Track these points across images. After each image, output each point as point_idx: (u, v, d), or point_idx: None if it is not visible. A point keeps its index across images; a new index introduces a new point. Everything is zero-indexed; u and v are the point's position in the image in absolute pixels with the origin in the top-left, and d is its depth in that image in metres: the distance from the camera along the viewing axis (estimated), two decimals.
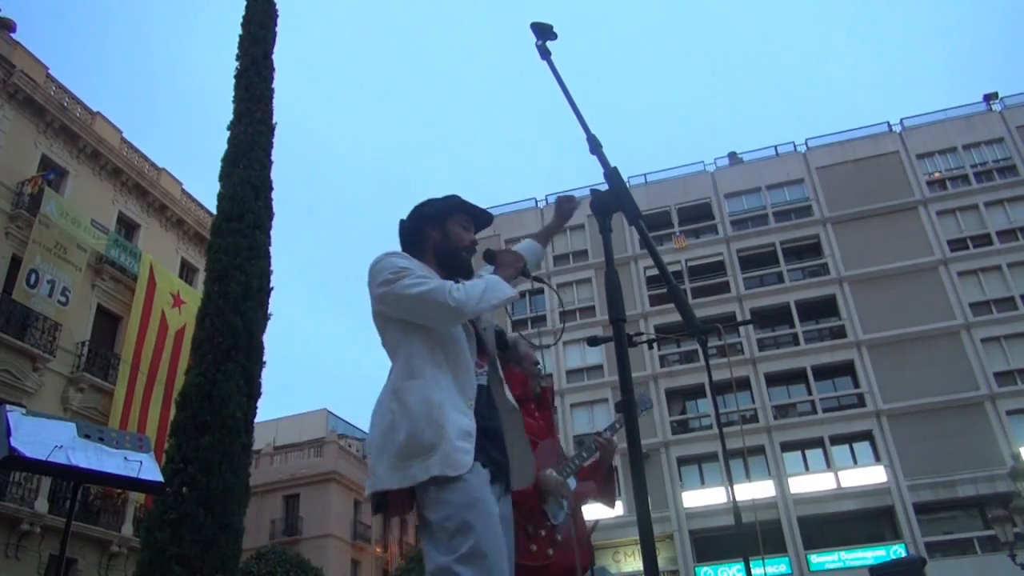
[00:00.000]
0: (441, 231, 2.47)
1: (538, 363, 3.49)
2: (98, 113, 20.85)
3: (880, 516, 24.95)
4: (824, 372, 27.43)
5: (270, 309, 12.16)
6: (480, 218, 2.58)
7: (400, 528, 36.93)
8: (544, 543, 2.96)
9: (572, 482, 3.23)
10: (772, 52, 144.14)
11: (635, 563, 25.28)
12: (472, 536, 1.98)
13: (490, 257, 2.53)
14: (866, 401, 26.19)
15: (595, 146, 1.92)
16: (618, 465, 27.26)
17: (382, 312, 2.33)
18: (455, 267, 2.43)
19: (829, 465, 25.80)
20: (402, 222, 2.53)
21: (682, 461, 26.97)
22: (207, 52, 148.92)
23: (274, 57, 14.16)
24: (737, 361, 27.03)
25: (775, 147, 32.36)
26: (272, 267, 12.29)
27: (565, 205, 3.00)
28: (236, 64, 13.66)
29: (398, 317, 2.28)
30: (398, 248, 2.46)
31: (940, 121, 30.50)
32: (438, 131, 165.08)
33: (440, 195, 2.56)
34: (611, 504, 3.55)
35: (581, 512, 3.29)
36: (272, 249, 12.42)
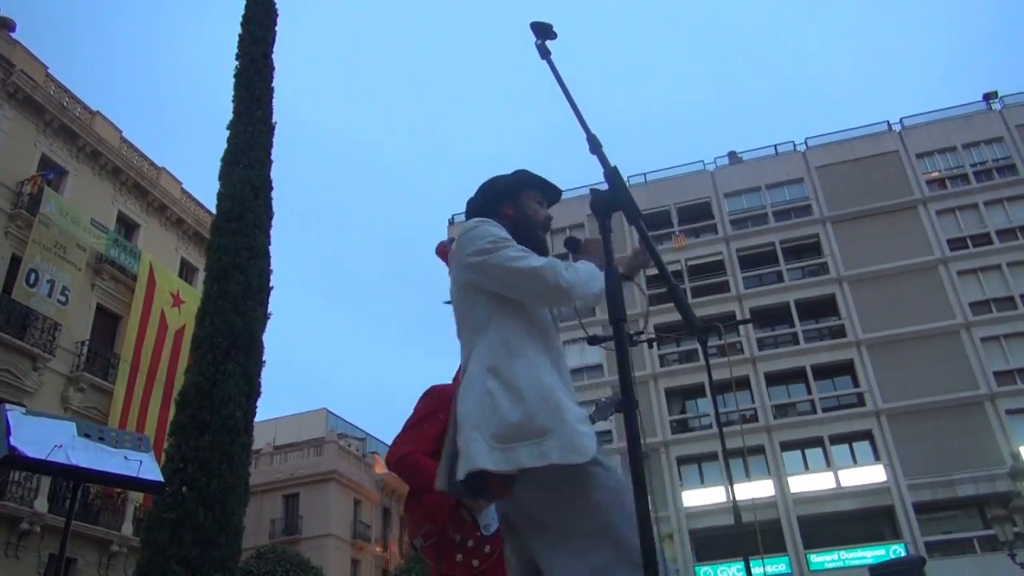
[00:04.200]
0: (515, 207, 2.33)
1: None
2: (98, 112, 20.85)
3: (880, 516, 24.96)
4: (824, 371, 27.43)
5: (270, 309, 12.18)
6: (551, 194, 2.43)
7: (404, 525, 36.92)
8: (471, 553, 2.93)
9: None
10: (772, 52, 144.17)
11: None
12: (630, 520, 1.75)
13: (573, 245, 2.37)
14: (866, 401, 26.20)
15: (595, 145, 1.92)
16: (617, 465, 27.67)
17: (474, 283, 2.15)
18: (531, 246, 2.24)
19: (829, 465, 25.82)
20: (472, 200, 2.40)
21: (682, 461, 26.98)
22: (207, 51, 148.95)
23: (274, 57, 14.17)
24: (737, 361, 27.04)
25: (775, 146, 32.38)
26: (272, 267, 12.30)
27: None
28: (236, 64, 13.67)
29: (493, 290, 2.12)
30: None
31: (940, 120, 30.50)
32: (438, 130, 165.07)
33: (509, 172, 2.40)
34: None
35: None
36: (272, 249, 12.42)
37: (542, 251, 2.28)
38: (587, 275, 2.10)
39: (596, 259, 2.23)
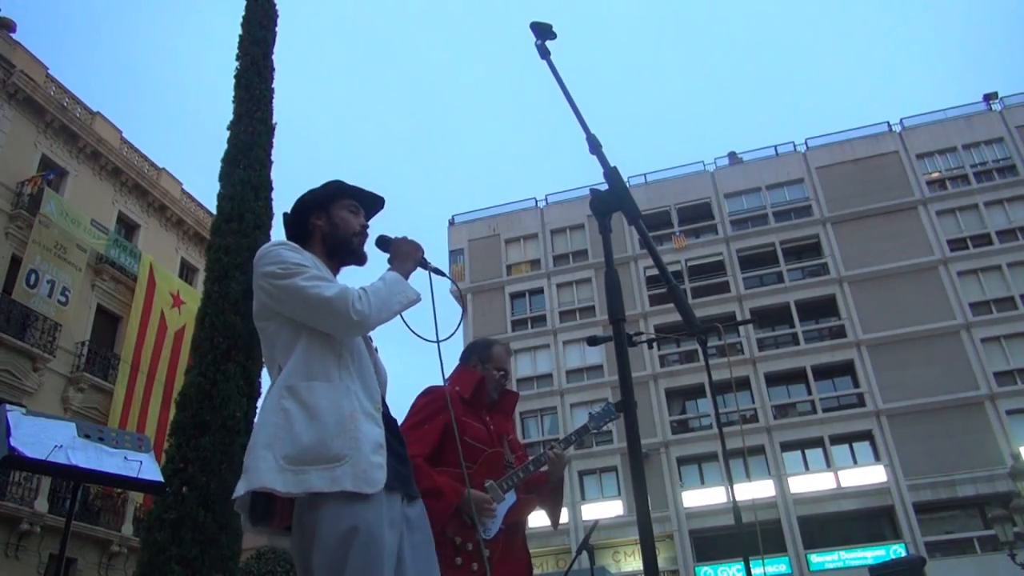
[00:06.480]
0: (327, 218, 2.30)
1: (505, 372, 3.38)
2: (98, 113, 20.85)
3: (880, 516, 24.96)
4: (824, 372, 27.44)
5: None
6: (370, 202, 2.40)
7: None
8: (470, 557, 2.90)
9: (512, 496, 3.13)
10: (772, 52, 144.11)
11: (635, 563, 25.29)
12: (366, 561, 1.83)
13: (384, 244, 2.33)
14: (866, 401, 26.20)
15: (595, 146, 1.92)
16: (617, 466, 26.81)
17: (270, 307, 2.11)
18: (346, 255, 2.29)
19: (829, 465, 25.82)
20: (286, 214, 2.37)
21: (682, 461, 26.99)
22: (207, 52, 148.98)
23: (274, 57, 14.16)
24: (737, 361, 27.05)
25: (775, 147, 32.38)
26: None
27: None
28: (236, 64, 13.66)
29: (287, 315, 2.08)
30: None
31: (940, 121, 30.52)
32: (438, 130, 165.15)
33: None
34: (554, 522, 3.36)
35: (522, 526, 3.21)
36: None
37: (358, 259, 2.31)
38: (382, 299, 2.08)
39: (404, 264, 2.23)
